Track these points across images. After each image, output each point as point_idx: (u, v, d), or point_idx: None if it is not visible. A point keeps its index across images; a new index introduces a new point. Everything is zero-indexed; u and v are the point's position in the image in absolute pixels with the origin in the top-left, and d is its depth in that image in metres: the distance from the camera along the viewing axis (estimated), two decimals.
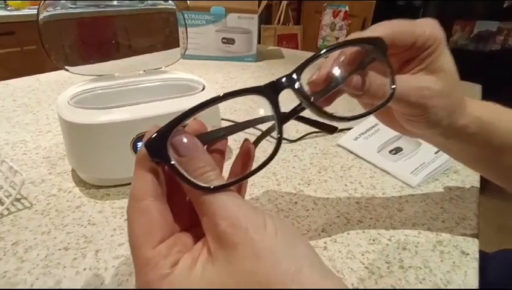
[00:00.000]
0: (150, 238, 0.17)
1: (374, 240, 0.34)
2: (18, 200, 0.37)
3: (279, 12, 2.36)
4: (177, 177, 0.18)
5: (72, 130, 0.37)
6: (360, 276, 0.30)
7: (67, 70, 0.44)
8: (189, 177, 0.17)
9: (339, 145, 0.53)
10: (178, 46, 0.95)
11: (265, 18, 2.44)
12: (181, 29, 0.89)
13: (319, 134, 0.57)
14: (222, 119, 0.53)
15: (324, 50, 0.22)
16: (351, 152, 0.51)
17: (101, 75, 0.46)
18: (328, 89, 0.24)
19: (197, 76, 0.49)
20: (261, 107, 0.72)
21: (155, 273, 0.16)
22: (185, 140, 0.18)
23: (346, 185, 0.44)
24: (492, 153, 0.31)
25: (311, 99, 0.21)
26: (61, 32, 0.45)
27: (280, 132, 0.19)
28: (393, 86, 0.24)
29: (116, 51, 0.56)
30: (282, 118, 0.20)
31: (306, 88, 0.22)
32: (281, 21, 2.39)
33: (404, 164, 0.46)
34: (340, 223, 0.37)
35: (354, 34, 0.25)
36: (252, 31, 1.01)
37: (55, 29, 0.43)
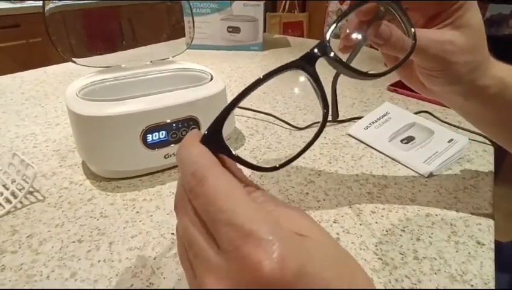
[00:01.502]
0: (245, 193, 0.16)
1: (387, 231, 0.34)
2: (31, 193, 0.38)
3: (285, 0, 2.31)
4: (242, 165, 0.18)
5: (81, 122, 0.37)
6: (374, 267, 0.30)
7: (74, 62, 0.43)
8: (255, 164, 0.18)
9: (349, 135, 0.52)
10: (184, 36, 0.94)
11: (271, 6, 2.39)
12: (187, 19, 0.87)
13: (328, 123, 0.56)
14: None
15: (345, 11, 0.21)
16: (362, 142, 0.50)
17: (108, 67, 0.45)
18: (355, 49, 0.26)
19: (203, 66, 0.49)
20: (272, 94, 0.71)
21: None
22: None
23: (357, 175, 0.43)
24: (511, 117, 0.30)
25: (346, 64, 0.21)
26: (67, 24, 0.44)
27: (326, 106, 0.19)
28: (413, 33, 0.24)
29: (122, 41, 0.55)
30: (323, 91, 0.19)
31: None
32: (286, 8, 2.34)
33: (416, 153, 0.46)
34: (353, 214, 0.36)
35: None
36: (257, 19, 0.99)
37: (61, 21, 0.43)
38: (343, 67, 0.21)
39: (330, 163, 0.45)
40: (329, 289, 0.13)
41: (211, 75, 0.46)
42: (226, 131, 0.50)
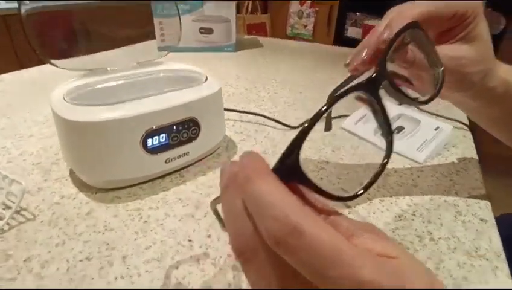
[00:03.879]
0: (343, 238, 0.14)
1: (399, 217, 0.35)
2: (17, 212, 0.34)
3: (247, 2, 2.33)
4: (317, 193, 0.16)
5: (74, 129, 0.34)
6: None
7: (54, 65, 0.40)
8: (330, 192, 0.16)
9: (343, 129, 0.54)
10: (154, 38, 0.90)
11: None
12: (158, 20, 0.84)
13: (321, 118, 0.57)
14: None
15: (388, 42, 0.22)
16: (355, 134, 0.52)
17: (92, 70, 0.42)
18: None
19: (194, 66, 0.47)
20: (255, 91, 0.70)
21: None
22: None
23: (360, 163, 0.44)
24: None
25: (407, 95, 0.22)
26: (45, 24, 0.40)
27: (391, 133, 0.19)
28: (442, 68, 0.25)
29: (100, 43, 0.51)
30: (387, 117, 0.19)
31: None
32: (249, 10, 2.36)
33: (408, 142, 0.48)
34: (364, 203, 0.37)
35: (393, 10, 0.25)
36: (230, 20, 0.99)
37: (38, 22, 0.39)
38: (401, 94, 0.21)
39: (334, 152, 0.46)
40: None
41: (205, 76, 0.44)
42: (216, 139, 0.47)
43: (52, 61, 0.40)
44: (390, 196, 0.38)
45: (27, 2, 0.37)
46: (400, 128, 0.51)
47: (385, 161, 0.19)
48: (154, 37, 0.54)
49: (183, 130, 0.39)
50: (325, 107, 0.16)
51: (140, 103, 0.36)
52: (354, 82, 0.19)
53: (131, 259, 0.29)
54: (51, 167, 0.41)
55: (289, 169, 0.15)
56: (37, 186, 0.38)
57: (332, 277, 0.12)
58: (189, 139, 0.40)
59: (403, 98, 0.22)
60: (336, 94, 0.17)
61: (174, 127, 0.38)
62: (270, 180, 0.14)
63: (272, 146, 0.49)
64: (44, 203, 0.35)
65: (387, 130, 0.19)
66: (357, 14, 2.17)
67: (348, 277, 0.12)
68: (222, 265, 0.29)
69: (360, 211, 0.36)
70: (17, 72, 0.75)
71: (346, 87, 0.17)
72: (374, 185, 0.40)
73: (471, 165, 0.45)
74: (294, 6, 2.37)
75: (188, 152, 0.41)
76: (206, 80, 0.44)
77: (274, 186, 0.14)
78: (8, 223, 0.32)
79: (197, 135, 0.41)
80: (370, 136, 0.50)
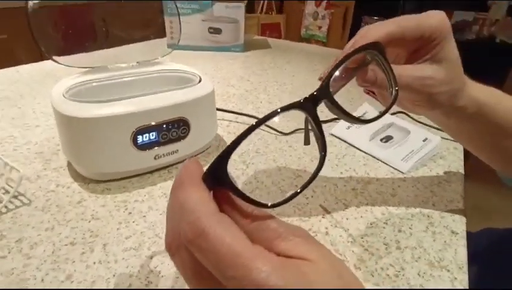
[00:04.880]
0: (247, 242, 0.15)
1: (371, 224, 0.36)
2: (15, 197, 0.37)
3: (262, 1, 2.34)
4: (243, 200, 0.18)
5: (70, 124, 0.37)
6: (361, 258, 0.32)
7: (56, 61, 0.42)
8: (254, 198, 0.18)
9: (332, 135, 0.55)
10: (165, 36, 0.93)
11: (249, 7, 2.41)
12: (168, 19, 0.87)
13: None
14: (217, 109, 0.53)
15: (337, 63, 0.23)
16: (344, 141, 0.53)
17: (93, 67, 0.45)
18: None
19: (190, 67, 0.49)
20: (255, 93, 0.72)
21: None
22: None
23: (341, 172, 0.45)
24: (489, 133, 0.33)
25: (346, 110, 0.23)
26: (50, 21, 0.43)
27: (324, 148, 0.20)
28: (396, 88, 0.26)
29: (104, 40, 0.54)
30: (322, 135, 0.20)
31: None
32: (264, 10, 2.37)
33: (395, 152, 0.49)
34: (339, 209, 0.38)
35: (362, 30, 0.27)
36: (238, 21, 1.01)
37: (44, 18, 0.41)
38: (342, 113, 0.23)
39: (313, 162, 0.47)
40: None
41: (199, 77, 0.47)
42: (206, 138, 0.49)
43: (54, 57, 0.43)
44: (367, 204, 0.39)
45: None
46: (389, 138, 0.51)
47: (312, 176, 0.20)
48: (156, 36, 0.56)
49: (173, 129, 0.41)
50: (252, 128, 0.17)
51: (133, 101, 0.38)
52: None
53: (111, 247, 0.31)
54: (51, 157, 0.44)
55: (218, 178, 0.17)
56: (36, 174, 0.41)
57: (231, 277, 0.14)
58: (179, 138, 0.42)
59: (344, 117, 0.23)
60: (266, 115, 0.18)
61: (164, 125, 0.40)
62: (197, 188, 0.16)
63: (264, 147, 0.51)
64: (40, 190, 0.38)
65: (322, 146, 0.20)
66: (374, 18, 2.15)
67: (245, 278, 0.14)
68: None
69: (335, 216, 0.37)
70: (31, 64, 0.79)
71: (284, 105, 0.19)
72: (352, 192, 0.41)
73: (455, 178, 0.46)
74: (309, 7, 2.36)
75: (177, 150, 0.43)
76: (200, 81, 0.46)
77: (198, 194, 0.16)
78: (5, 207, 0.35)
79: (187, 134, 0.43)
80: (362, 142, 0.51)
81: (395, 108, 0.68)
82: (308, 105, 0.20)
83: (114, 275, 0.29)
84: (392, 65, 0.26)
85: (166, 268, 0.30)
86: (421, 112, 0.33)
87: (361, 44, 0.25)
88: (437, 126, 0.58)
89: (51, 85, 0.41)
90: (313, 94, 0.20)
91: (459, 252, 0.33)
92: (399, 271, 0.31)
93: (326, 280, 0.15)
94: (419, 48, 0.28)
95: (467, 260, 0.33)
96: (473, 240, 0.50)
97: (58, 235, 0.32)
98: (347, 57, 0.23)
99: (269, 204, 0.18)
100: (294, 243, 0.16)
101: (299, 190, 0.20)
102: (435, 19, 0.27)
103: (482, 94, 0.31)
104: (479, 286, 0.44)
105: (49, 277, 0.28)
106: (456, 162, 0.49)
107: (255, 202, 0.18)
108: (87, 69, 0.44)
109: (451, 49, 0.28)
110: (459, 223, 0.37)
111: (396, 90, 0.26)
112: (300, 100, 0.20)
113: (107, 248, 0.31)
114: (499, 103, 0.32)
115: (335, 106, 0.22)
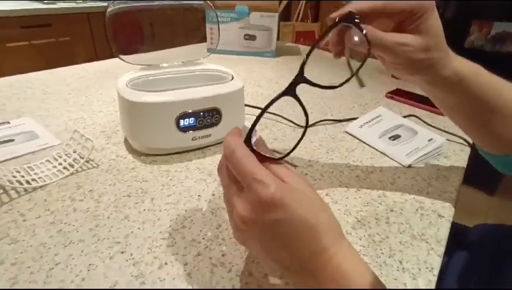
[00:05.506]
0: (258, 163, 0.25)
1: (367, 203, 0.43)
2: (87, 161, 0.48)
3: (298, 10, 2.42)
4: (257, 155, 0.27)
5: (130, 107, 0.47)
6: (353, 226, 0.39)
7: (122, 59, 0.54)
8: (265, 154, 0.27)
9: (346, 132, 0.61)
10: (205, 41, 1.04)
11: (285, 15, 2.50)
12: (209, 26, 0.98)
13: (329, 121, 0.65)
14: (246, 105, 0.62)
15: (317, 39, 0.31)
16: (356, 138, 0.59)
17: (149, 65, 0.56)
18: (362, 61, 0.34)
19: (225, 68, 0.59)
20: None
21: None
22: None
23: (349, 163, 0.52)
24: (470, 107, 0.38)
25: (313, 82, 0.30)
26: (120, 25, 0.55)
27: (306, 115, 0.30)
28: (368, 47, 0.32)
29: (158, 43, 0.65)
30: (305, 109, 0.29)
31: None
32: (299, 18, 2.45)
33: (401, 148, 0.54)
34: (341, 190, 0.45)
35: (350, 6, 0.33)
36: (272, 29, 1.10)
37: (116, 23, 0.53)
38: (312, 85, 0.30)
39: (327, 153, 0.54)
40: (298, 216, 0.23)
41: (232, 76, 0.56)
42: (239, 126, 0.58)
43: (121, 56, 0.54)
44: (367, 188, 0.46)
45: (115, 2, 0.51)
46: (397, 136, 0.57)
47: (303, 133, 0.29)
48: (200, 41, 0.66)
49: (207, 116, 0.50)
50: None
51: (177, 92, 0.48)
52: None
53: (157, 201, 0.41)
54: (112, 134, 0.56)
55: (250, 145, 0.27)
56: (101, 146, 0.52)
57: (250, 186, 0.23)
58: (212, 124, 0.52)
59: (320, 87, 0.30)
60: (272, 100, 0.27)
61: (201, 113, 0.50)
62: (236, 136, 0.27)
63: (282, 136, 0.59)
64: (104, 158, 0.49)
65: (305, 117, 0.29)
66: None
67: (259, 188, 0.23)
68: (217, 213, 0.39)
69: (336, 195, 0.44)
70: (94, 62, 0.93)
71: (276, 95, 0.27)
72: (356, 178, 0.48)
73: (454, 174, 0.50)
74: None
75: (210, 134, 0.52)
76: (232, 78, 0.55)
77: (235, 138, 0.27)
78: (81, 167, 0.46)
79: (219, 122, 0.52)
80: (372, 139, 0.57)
81: (406, 112, 0.72)
82: (291, 90, 0.28)
83: (159, 219, 0.38)
84: (378, 31, 0.32)
85: (198, 218, 0.38)
86: (404, 76, 0.38)
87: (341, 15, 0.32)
88: (447, 130, 0.62)
89: (110, 80, 0.53)
90: (292, 81, 0.28)
91: (442, 231, 0.39)
92: (384, 239, 0.37)
93: (306, 201, 0.24)
94: (404, 19, 0.34)
95: (466, 262, 0.38)
96: (470, 232, 0.54)
97: (119, 189, 0.43)
98: (326, 32, 0.30)
99: (277, 157, 0.27)
100: (286, 173, 0.26)
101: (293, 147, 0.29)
102: None
103: (465, 68, 0.35)
104: (474, 273, 0.48)
105: (113, 216, 0.38)
106: (459, 162, 0.54)
107: (267, 157, 0.27)
108: (144, 66, 0.55)
109: (432, 23, 0.33)
110: (447, 210, 0.42)
111: (369, 49, 0.32)
112: (286, 88, 0.28)
113: (154, 201, 0.41)
114: (478, 76, 0.36)
115: (308, 83, 0.29)
